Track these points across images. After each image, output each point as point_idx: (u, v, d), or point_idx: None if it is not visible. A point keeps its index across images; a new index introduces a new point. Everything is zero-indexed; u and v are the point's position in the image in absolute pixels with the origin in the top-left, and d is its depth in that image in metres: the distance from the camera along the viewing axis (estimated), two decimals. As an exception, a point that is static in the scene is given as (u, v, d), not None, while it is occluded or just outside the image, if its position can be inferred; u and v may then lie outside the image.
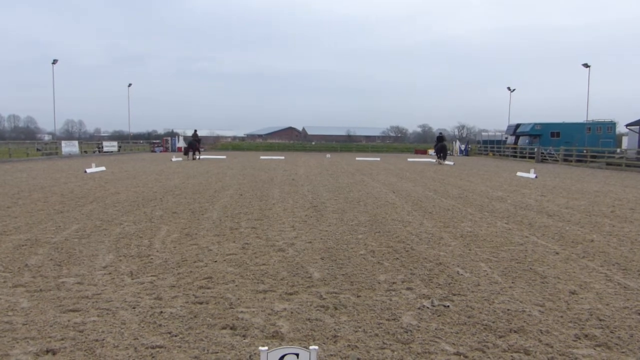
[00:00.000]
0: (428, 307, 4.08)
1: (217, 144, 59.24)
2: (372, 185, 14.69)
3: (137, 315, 3.84)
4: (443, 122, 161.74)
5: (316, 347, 2.64)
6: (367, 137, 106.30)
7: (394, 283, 4.74)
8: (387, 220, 8.38)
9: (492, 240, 6.80)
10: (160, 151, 48.08)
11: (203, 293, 4.37)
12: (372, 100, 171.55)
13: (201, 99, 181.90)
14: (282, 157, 35.45)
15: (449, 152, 49.41)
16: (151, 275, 4.89)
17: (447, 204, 10.55)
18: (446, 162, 29.75)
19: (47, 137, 71.20)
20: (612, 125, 38.66)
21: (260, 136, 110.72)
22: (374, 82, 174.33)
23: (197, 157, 32.13)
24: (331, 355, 3.20)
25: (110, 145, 44.70)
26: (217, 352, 3.22)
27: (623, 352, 3.32)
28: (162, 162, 27.50)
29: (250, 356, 3.16)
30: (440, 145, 30.52)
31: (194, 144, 32.39)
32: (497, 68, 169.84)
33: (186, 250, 5.97)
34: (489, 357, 3.22)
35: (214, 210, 9.21)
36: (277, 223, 7.94)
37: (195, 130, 33.65)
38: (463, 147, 50.17)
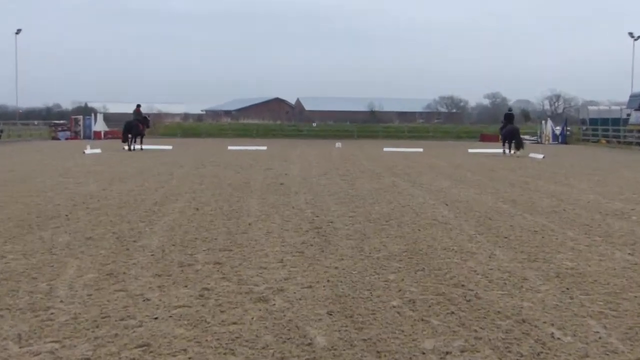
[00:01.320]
0: (504, 394, 4.05)
1: (158, 125, 59.36)
2: (411, 193, 14.70)
3: (28, 407, 3.82)
4: (525, 90, 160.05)
5: None
6: (401, 115, 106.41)
7: (448, 353, 4.73)
8: (435, 250, 8.38)
9: (607, 283, 6.78)
10: (67, 138, 48.28)
11: (136, 370, 4.36)
12: (408, 54, 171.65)
13: (133, 56, 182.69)
14: (264, 148, 35.52)
15: (536, 138, 49.83)
16: (52, 341, 4.88)
17: (534, 224, 10.54)
18: (532, 155, 29.72)
19: None
20: None
21: (227, 113, 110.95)
22: (411, 23, 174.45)
23: (137, 146, 32.04)
24: None
25: (-15, 129, 44.87)
26: None
27: None
28: (70, 156, 27.56)
29: None
30: (510, 128, 30.41)
31: (136, 126, 32.09)
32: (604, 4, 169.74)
33: (108, 300, 5.96)
34: None
35: (154, 235, 9.22)
36: (256, 255, 7.94)
37: (138, 106, 33.88)
38: (558, 130, 50.17)
